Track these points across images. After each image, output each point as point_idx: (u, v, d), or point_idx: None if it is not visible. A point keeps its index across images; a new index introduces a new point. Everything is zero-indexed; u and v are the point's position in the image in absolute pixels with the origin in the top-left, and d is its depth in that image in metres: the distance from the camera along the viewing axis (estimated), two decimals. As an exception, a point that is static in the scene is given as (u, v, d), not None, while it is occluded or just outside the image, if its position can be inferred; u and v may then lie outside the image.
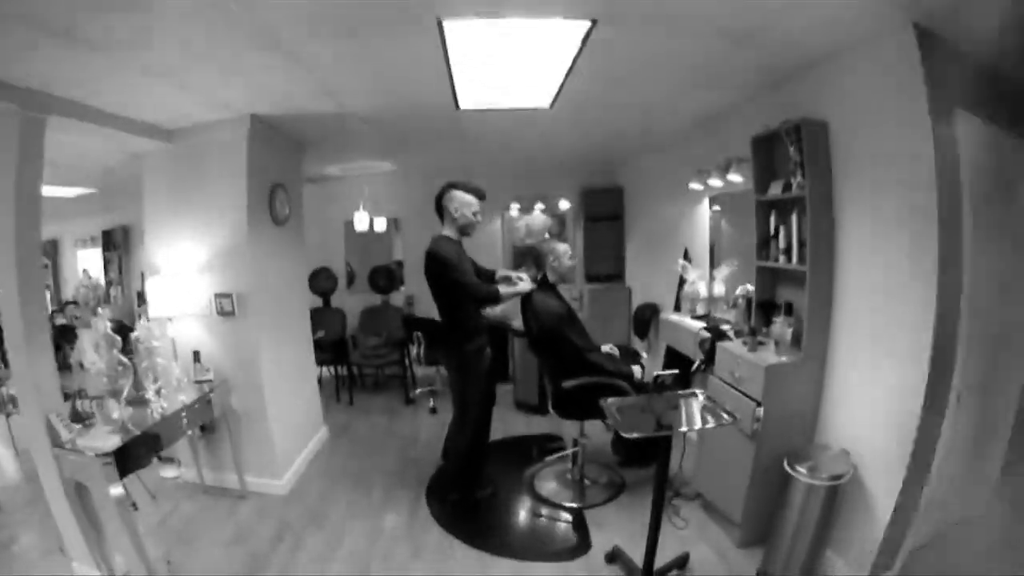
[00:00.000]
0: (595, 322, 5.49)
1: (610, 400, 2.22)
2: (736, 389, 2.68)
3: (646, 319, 4.79)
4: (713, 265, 3.75)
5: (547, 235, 6.18)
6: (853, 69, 2.38)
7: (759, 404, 2.53)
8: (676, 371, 2.24)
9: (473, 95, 2.98)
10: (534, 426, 4.53)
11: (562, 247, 2.97)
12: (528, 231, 6.17)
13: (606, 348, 3.26)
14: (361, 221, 5.59)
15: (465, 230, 2.93)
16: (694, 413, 2.21)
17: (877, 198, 2.33)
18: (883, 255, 2.30)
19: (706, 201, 3.76)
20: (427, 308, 6.01)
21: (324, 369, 5.78)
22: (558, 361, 2.88)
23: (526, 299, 3.02)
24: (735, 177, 3.09)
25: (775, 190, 2.76)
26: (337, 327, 5.77)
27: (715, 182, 3.37)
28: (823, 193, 2.53)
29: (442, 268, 2.77)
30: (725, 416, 2.07)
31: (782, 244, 2.72)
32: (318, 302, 5.86)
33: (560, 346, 2.85)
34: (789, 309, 2.72)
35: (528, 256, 3.29)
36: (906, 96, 2.11)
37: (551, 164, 5.75)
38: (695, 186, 3.61)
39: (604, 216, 5.92)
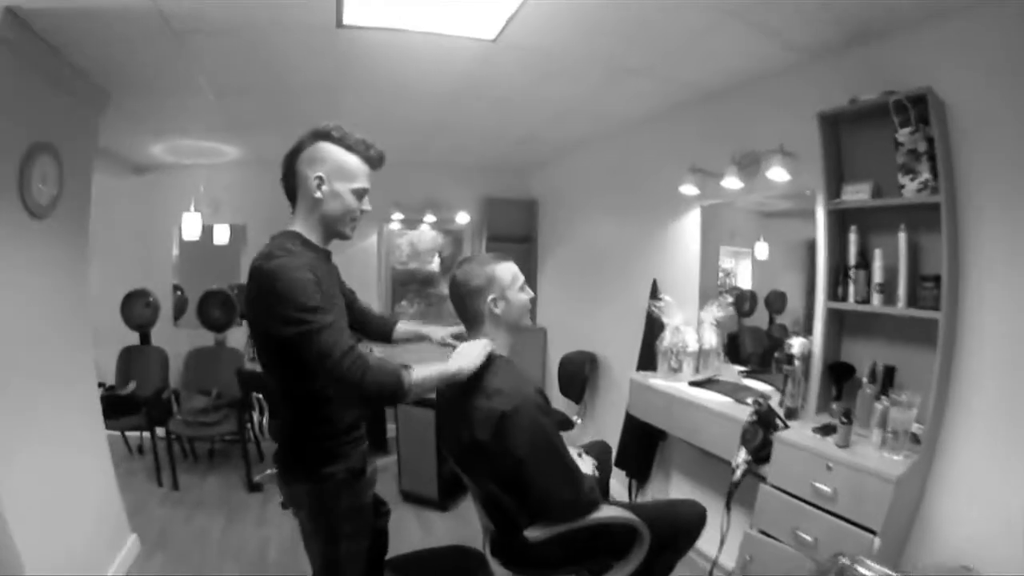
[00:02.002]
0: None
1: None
2: (824, 511, 1.75)
3: (581, 375, 3.81)
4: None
5: (438, 256, 5.01)
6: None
7: (875, 534, 1.62)
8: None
9: (372, 5, 1.85)
10: (434, 531, 3.27)
11: (507, 269, 1.56)
12: (412, 251, 4.96)
13: (574, 452, 2.08)
14: (191, 227, 4.24)
15: (336, 227, 1.50)
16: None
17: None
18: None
19: (696, 212, 2.91)
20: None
21: (140, 436, 4.14)
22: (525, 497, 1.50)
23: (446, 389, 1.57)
24: (776, 175, 2.23)
25: (856, 195, 1.94)
26: (156, 376, 4.17)
27: (730, 183, 2.49)
28: (951, 199, 1.74)
29: (276, 306, 1.30)
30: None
31: (877, 277, 1.89)
32: (134, 338, 4.28)
33: (534, 477, 1.44)
34: (886, 377, 1.88)
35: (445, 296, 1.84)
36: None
37: (449, 161, 4.67)
38: (688, 190, 2.73)
39: (513, 236, 4.93)
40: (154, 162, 4.46)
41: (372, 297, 4.83)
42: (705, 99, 2.77)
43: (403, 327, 1.90)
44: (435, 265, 5.03)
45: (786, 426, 2.01)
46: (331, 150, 1.48)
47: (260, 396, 3.53)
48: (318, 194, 1.45)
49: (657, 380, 2.72)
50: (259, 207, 4.50)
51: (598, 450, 2.23)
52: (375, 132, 3.58)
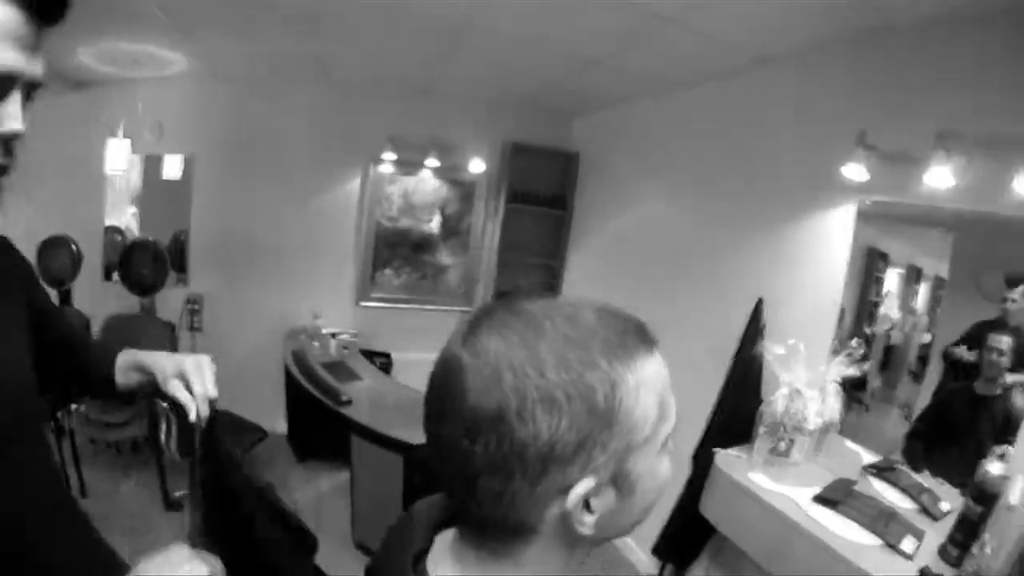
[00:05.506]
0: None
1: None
2: None
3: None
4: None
5: (439, 213, 4.09)
6: None
7: None
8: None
9: None
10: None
11: (652, 385, 0.50)
12: (406, 205, 4.03)
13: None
14: (116, 156, 3.45)
15: None
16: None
17: None
18: None
19: (850, 209, 1.98)
20: (221, 330, 3.81)
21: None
22: None
23: None
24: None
25: None
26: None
27: (936, 178, 1.52)
28: None
29: None
30: None
31: None
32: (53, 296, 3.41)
33: None
34: None
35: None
36: None
37: (465, 90, 3.70)
38: (853, 174, 1.78)
39: (541, 196, 4.03)
40: (91, 75, 3.56)
41: (346, 260, 3.94)
42: (885, 33, 1.79)
43: (125, 359, 1.01)
44: (434, 225, 4.14)
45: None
46: None
47: (167, 406, 2.69)
48: None
49: (759, 477, 1.83)
50: (211, 135, 3.71)
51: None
52: (375, 43, 2.73)
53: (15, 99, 0.62)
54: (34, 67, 0.63)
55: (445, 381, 0.48)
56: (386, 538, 0.75)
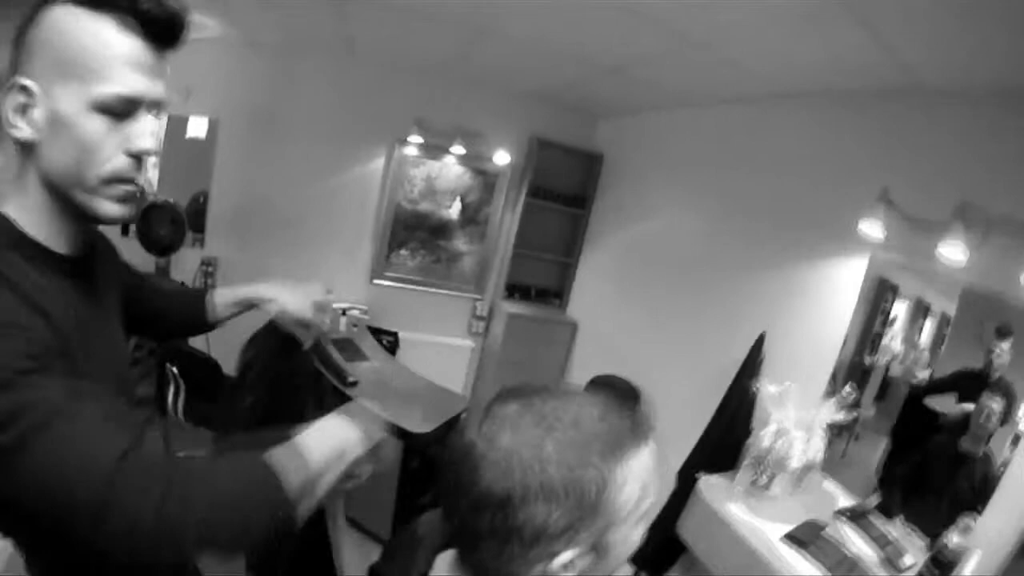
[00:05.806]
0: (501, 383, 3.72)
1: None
2: None
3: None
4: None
5: (459, 200, 4.14)
6: None
7: None
8: None
9: None
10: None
11: (638, 474, 0.61)
12: (427, 189, 4.07)
13: None
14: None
15: (74, 195, 0.68)
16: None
17: None
18: None
19: (862, 263, 2.03)
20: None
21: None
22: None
23: None
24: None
25: None
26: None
27: (950, 252, 1.57)
28: None
29: None
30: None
31: None
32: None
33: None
34: None
35: None
36: None
37: (496, 80, 3.70)
38: (869, 230, 1.82)
39: (562, 194, 4.09)
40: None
41: (363, 238, 4.00)
42: (914, 95, 1.82)
43: (225, 296, 1.16)
44: (454, 211, 4.16)
45: None
46: (56, 21, 0.65)
47: (175, 370, 2.81)
48: (21, 130, 0.66)
49: (737, 507, 1.92)
50: (238, 100, 3.74)
51: None
52: (404, 27, 2.73)
53: (145, 119, 0.69)
54: (158, 89, 0.70)
55: (462, 462, 0.60)
56: (389, 554, 0.89)
